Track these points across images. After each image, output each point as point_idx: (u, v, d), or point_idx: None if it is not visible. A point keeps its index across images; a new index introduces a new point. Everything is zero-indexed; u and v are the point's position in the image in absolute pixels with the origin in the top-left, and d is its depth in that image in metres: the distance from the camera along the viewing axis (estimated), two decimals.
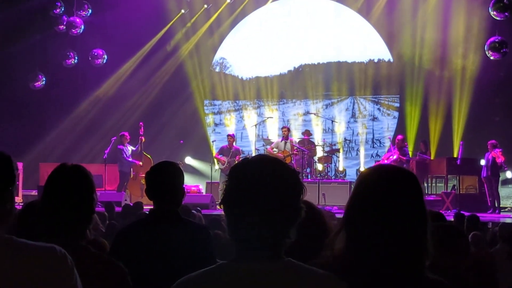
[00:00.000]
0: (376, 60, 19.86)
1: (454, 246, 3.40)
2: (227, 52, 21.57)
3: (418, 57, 18.61)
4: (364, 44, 19.75)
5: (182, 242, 3.54)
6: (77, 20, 17.93)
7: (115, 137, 16.75)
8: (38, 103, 19.55)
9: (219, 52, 21.59)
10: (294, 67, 20.84)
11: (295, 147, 16.16)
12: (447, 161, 15.60)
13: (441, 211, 11.68)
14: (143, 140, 16.84)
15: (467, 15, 17.26)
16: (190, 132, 20.49)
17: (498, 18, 14.61)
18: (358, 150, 19.86)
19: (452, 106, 17.75)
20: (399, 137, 16.07)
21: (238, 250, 1.98)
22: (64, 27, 18.17)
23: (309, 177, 16.43)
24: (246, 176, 1.98)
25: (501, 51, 14.65)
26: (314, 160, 16.93)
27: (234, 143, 16.69)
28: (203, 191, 17.62)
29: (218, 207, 15.16)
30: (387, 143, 17.77)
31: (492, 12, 14.55)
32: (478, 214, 8.94)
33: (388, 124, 19.78)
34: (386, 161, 15.71)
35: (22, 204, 14.20)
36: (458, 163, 15.12)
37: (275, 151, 16.12)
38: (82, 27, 17.97)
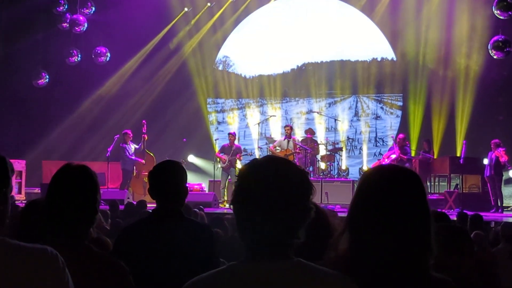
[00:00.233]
0: (379, 59, 19.84)
1: (458, 247, 3.39)
2: (230, 50, 21.56)
3: (421, 55, 18.58)
4: (368, 42, 19.71)
5: (185, 241, 3.54)
6: (80, 18, 17.94)
7: (118, 135, 16.76)
8: (41, 101, 19.58)
9: (222, 50, 21.58)
10: (297, 66, 20.82)
11: (297, 146, 16.15)
12: (450, 160, 15.57)
13: (444, 210, 11.70)
14: (146, 138, 16.84)
15: (470, 14, 17.22)
16: (193, 130, 20.48)
17: (501, 17, 14.58)
18: (361, 148, 19.85)
19: (455, 105, 17.72)
20: (401, 136, 16.05)
21: (248, 250, 1.99)
22: (67, 25, 18.19)
23: (311, 175, 16.41)
24: (256, 176, 1.98)
25: (505, 50, 14.62)
26: (317, 158, 16.92)
27: (235, 142, 16.69)
28: (206, 189, 17.63)
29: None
30: (390, 142, 17.73)
31: (495, 11, 14.52)
32: (481, 213, 8.94)
33: (391, 123, 19.76)
34: (386, 159, 15.70)
35: (25, 201, 14.24)
36: (461, 162, 15.09)
37: (277, 149, 16.12)
38: (85, 25, 17.98)
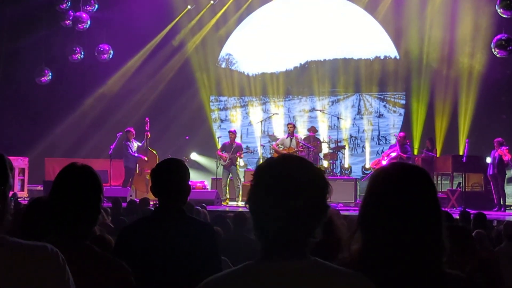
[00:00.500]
0: (382, 57, 19.82)
1: (461, 247, 3.40)
2: (233, 48, 21.56)
3: (424, 54, 18.56)
4: (371, 40, 19.70)
5: (187, 240, 3.53)
6: (84, 15, 17.96)
7: (120, 133, 16.77)
8: (44, 98, 19.60)
9: (225, 48, 21.58)
10: (300, 64, 20.82)
11: (300, 144, 16.13)
12: (453, 159, 15.57)
13: (446, 209, 11.69)
14: (149, 135, 16.85)
15: (473, 12, 17.20)
16: (196, 128, 20.49)
17: (505, 16, 14.56)
18: (363, 147, 19.84)
19: (458, 103, 17.71)
20: (401, 134, 16.02)
21: (265, 249, 1.97)
22: (71, 22, 18.20)
23: None
24: (273, 175, 1.97)
25: (508, 48, 14.59)
26: (319, 156, 16.89)
27: (236, 139, 16.68)
28: (209, 187, 17.63)
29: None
30: (393, 140, 17.72)
31: (499, 10, 14.49)
32: (484, 212, 8.92)
33: (394, 121, 19.75)
34: (386, 157, 15.68)
35: (27, 198, 14.26)
36: (464, 160, 15.06)
37: (280, 147, 16.11)
38: (89, 22, 18.00)
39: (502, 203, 14.37)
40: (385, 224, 2.11)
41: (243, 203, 15.95)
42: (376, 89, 19.93)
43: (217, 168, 16.68)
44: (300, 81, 20.86)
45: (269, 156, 17.88)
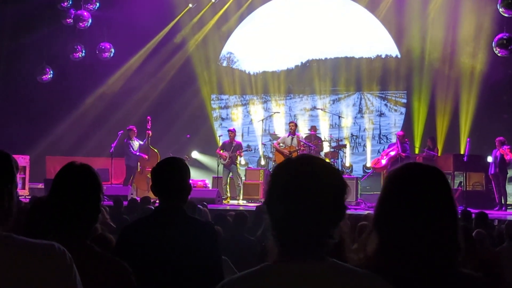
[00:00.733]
0: (383, 56, 19.81)
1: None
2: (234, 46, 21.55)
3: (426, 53, 18.55)
4: (372, 39, 19.69)
5: (187, 240, 3.53)
6: (85, 13, 17.95)
7: (122, 131, 16.78)
8: (45, 96, 19.58)
9: (227, 47, 21.57)
10: (302, 62, 20.81)
11: (301, 143, 16.13)
12: (454, 158, 15.55)
13: None
14: (150, 134, 16.86)
15: (475, 11, 17.18)
16: (197, 126, 20.49)
17: (506, 15, 14.54)
18: (364, 145, 19.83)
19: (459, 102, 17.69)
20: (400, 133, 16.02)
21: (283, 251, 1.95)
22: (72, 21, 18.20)
23: None
24: (291, 175, 1.95)
25: (509, 47, 14.57)
26: (320, 155, 16.88)
27: (235, 138, 16.67)
28: (210, 185, 17.63)
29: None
30: (394, 139, 17.72)
31: (500, 9, 14.47)
32: (485, 211, 8.92)
33: (395, 120, 19.74)
34: (385, 156, 15.67)
35: (28, 197, 14.26)
36: (465, 159, 15.05)
37: (281, 146, 16.11)
38: (90, 20, 18.00)
39: (503, 202, 14.37)
40: (401, 225, 2.11)
41: (244, 201, 15.97)
42: (377, 87, 19.93)
43: (218, 166, 16.68)
44: (301, 79, 20.85)
45: (270, 155, 17.89)
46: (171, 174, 3.68)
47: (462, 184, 15.33)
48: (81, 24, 17.98)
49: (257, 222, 8.53)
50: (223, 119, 21.71)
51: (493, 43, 14.80)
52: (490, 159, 14.71)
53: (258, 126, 19.33)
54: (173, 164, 3.75)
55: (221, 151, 16.26)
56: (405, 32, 18.91)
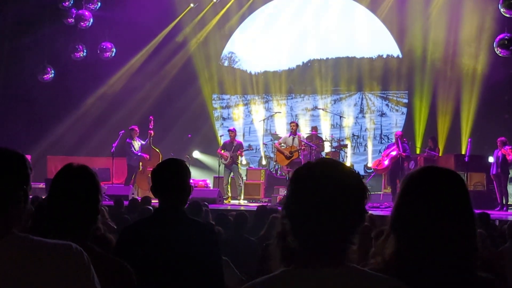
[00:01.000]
0: (384, 56, 19.81)
1: None
2: (235, 46, 21.56)
3: (427, 53, 18.54)
4: (373, 39, 19.69)
5: (187, 241, 3.53)
6: (86, 13, 17.94)
7: (123, 131, 16.77)
8: (46, 96, 19.57)
9: (228, 46, 21.57)
10: (303, 62, 20.81)
11: (303, 143, 16.12)
12: (455, 158, 15.54)
13: None
14: (153, 134, 16.85)
15: (476, 11, 17.17)
16: (198, 126, 20.50)
17: (507, 15, 14.52)
18: (366, 145, 19.83)
19: (460, 102, 17.68)
20: (398, 132, 15.96)
21: (304, 256, 1.93)
22: (73, 20, 18.18)
23: None
24: (312, 179, 1.93)
25: (510, 48, 14.54)
26: (322, 155, 16.88)
27: (236, 138, 16.67)
28: (211, 185, 17.64)
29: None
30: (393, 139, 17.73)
31: (501, 9, 14.46)
32: (486, 212, 8.91)
33: (396, 120, 19.74)
34: (386, 157, 15.65)
35: (30, 196, 14.26)
36: (466, 160, 15.05)
37: (282, 146, 16.10)
38: (91, 20, 17.99)
39: (504, 203, 14.36)
40: (419, 228, 2.10)
41: (245, 201, 15.97)
42: (378, 87, 19.92)
43: (219, 166, 16.68)
44: (302, 79, 20.85)
45: (271, 155, 17.90)
46: (170, 175, 3.67)
47: None
48: (82, 23, 17.97)
49: (257, 223, 8.51)
50: (224, 119, 21.71)
51: (495, 43, 14.78)
52: (491, 159, 14.70)
53: (259, 126, 19.34)
54: (173, 165, 3.74)
55: (222, 151, 16.25)
56: (407, 32, 18.91)
